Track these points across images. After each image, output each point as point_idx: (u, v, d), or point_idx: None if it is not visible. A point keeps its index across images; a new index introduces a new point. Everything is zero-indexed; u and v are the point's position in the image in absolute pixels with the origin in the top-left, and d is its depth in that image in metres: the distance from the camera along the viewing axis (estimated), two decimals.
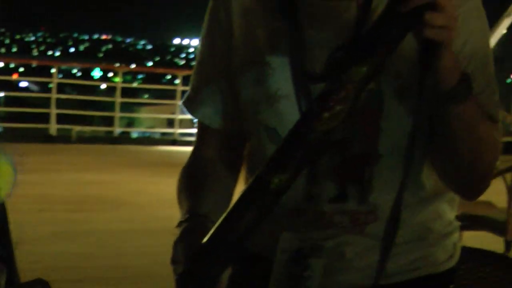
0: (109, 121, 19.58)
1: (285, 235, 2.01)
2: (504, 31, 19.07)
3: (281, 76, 1.98)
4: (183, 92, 19.49)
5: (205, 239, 1.69)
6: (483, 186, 2.00)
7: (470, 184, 1.99)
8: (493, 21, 19.08)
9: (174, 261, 1.82)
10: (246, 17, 2.05)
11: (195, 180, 2.13)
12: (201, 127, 2.19)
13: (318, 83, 1.88)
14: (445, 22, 1.65)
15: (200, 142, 2.20)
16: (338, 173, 1.96)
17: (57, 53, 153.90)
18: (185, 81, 19.66)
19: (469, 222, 5.70)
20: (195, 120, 2.20)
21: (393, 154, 1.94)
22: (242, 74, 2.05)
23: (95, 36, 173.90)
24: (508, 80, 22.45)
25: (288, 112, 1.96)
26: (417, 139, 1.87)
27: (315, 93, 1.80)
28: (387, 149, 1.94)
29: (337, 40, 1.92)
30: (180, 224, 1.93)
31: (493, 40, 18.90)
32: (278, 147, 1.71)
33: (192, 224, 1.93)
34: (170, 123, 20.22)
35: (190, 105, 2.19)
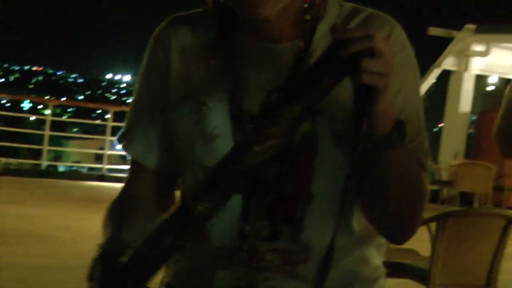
0: (36, 154, 19.45)
1: (220, 273, 1.98)
2: (433, 80, 19.41)
3: (218, 115, 1.97)
4: (114, 127, 19.63)
5: (123, 259, 1.70)
6: (411, 231, 2.00)
7: (399, 229, 1.99)
8: (423, 71, 19.39)
9: (90, 278, 1.81)
10: (185, 55, 2.04)
11: (122, 213, 2.10)
12: (134, 163, 2.16)
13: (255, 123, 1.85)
14: (383, 69, 1.67)
15: (132, 177, 2.17)
16: (271, 211, 1.94)
17: None
18: (116, 116, 19.66)
19: (392, 269, 5.73)
20: (128, 157, 2.19)
21: (326, 195, 1.93)
22: (178, 112, 2.03)
23: (26, 67, 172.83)
24: (436, 129, 22.74)
25: (224, 151, 1.87)
26: (351, 182, 1.84)
27: None
28: (320, 190, 1.92)
29: (276, 82, 1.92)
30: (101, 245, 1.91)
31: (423, 89, 19.21)
32: (206, 177, 1.72)
33: (112, 246, 1.90)
34: (99, 158, 20.18)
35: (124, 141, 2.15)
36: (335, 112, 1.90)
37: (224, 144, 1.94)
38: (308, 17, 1.96)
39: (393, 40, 1.93)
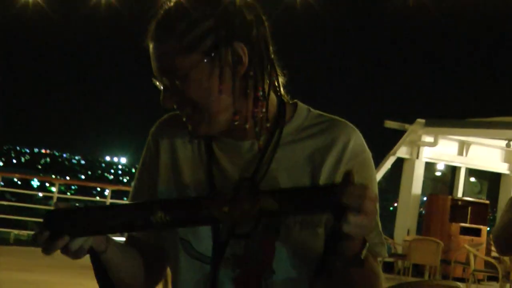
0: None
1: None
2: (389, 167, 19.44)
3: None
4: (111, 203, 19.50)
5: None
6: None
7: None
8: (380, 158, 19.42)
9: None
10: (172, 150, 2.06)
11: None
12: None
13: None
14: (364, 223, 1.64)
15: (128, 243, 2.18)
16: (238, 282, 1.94)
17: (0, 164, 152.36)
18: (113, 193, 19.65)
19: None
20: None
21: (285, 273, 1.92)
22: (166, 195, 2.03)
23: (35, 150, 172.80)
24: (391, 208, 22.80)
25: (202, 228, 1.95)
26: (309, 264, 1.91)
27: None
28: (280, 268, 1.91)
29: (243, 172, 1.95)
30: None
31: (380, 174, 19.22)
32: (179, 198, 1.89)
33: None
34: None
35: None
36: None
37: None
38: (268, 124, 1.94)
39: (353, 144, 1.94)
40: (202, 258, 1.96)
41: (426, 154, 19.70)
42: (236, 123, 1.92)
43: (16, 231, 18.36)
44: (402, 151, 19.48)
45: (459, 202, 18.88)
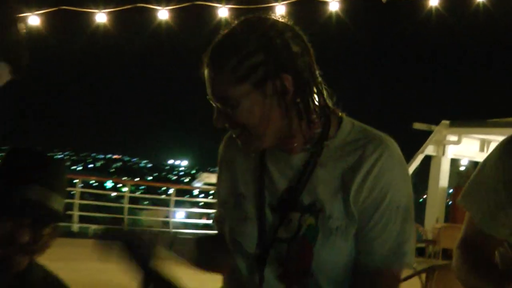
0: (118, 222, 19.53)
1: None
2: (418, 163, 19.30)
3: (250, 204, 2.00)
4: (175, 201, 19.66)
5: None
6: None
7: None
8: (411, 156, 19.27)
9: None
10: (232, 161, 2.08)
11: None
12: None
13: (274, 212, 1.94)
14: None
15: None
16: (283, 280, 1.95)
17: (79, 168, 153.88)
18: (177, 192, 19.74)
19: None
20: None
21: (322, 275, 1.92)
22: (227, 202, 2.07)
23: (108, 156, 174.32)
24: (421, 200, 22.65)
25: (250, 231, 1.97)
26: (343, 267, 1.92)
27: (272, 219, 1.94)
28: (317, 270, 1.91)
29: (290, 182, 1.95)
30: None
31: (410, 170, 19.07)
32: None
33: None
34: (165, 224, 20.16)
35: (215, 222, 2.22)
36: (332, 213, 1.89)
37: (251, 225, 1.98)
38: (315, 138, 1.93)
39: (382, 163, 1.88)
40: (251, 256, 1.98)
41: (451, 151, 19.54)
42: (286, 140, 1.92)
43: (94, 226, 18.54)
44: (429, 150, 19.35)
45: None
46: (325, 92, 1.94)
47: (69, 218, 17.35)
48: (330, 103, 1.96)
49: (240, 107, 1.83)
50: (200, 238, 2.21)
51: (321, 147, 1.93)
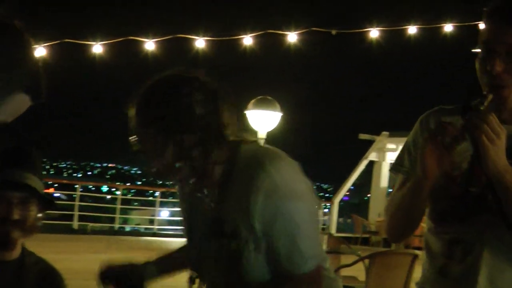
0: (112, 220, 19.41)
1: None
2: (363, 168, 19.41)
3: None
4: (161, 202, 19.61)
5: None
6: None
7: None
8: (357, 162, 19.35)
9: None
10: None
11: None
12: None
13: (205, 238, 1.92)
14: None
15: None
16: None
17: (79, 175, 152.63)
18: (162, 194, 19.69)
19: None
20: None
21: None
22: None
23: (105, 164, 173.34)
24: (366, 198, 22.82)
25: (192, 253, 2.01)
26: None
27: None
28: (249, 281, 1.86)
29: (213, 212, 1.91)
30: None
31: (357, 174, 19.16)
32: None
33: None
34: (151, 222, 20.05)
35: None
36: (246, 234, 1.84)
37: (193, 249, 2.01)
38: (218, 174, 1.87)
39: (271, 179, 1.78)
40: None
41: (390, 157, 19.64)
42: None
43: (91, 224, 18.45)
44: (372, 156, 19.49)
45: None
46: (233, 135, 1.86)
47: (70, 217, 17.27)
48: (238, 137, 1.88)
49: (148, 147, 1.83)
50: (180, 249, 2.15)
51: (227, 179, 1.85)
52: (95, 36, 13.33)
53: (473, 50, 1.89)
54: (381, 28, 13.62)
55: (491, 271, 1.80)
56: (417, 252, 6.46)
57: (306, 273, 1.79)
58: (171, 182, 2.01)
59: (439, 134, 1.74)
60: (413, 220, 1.91)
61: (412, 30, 13.60)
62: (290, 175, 1.81)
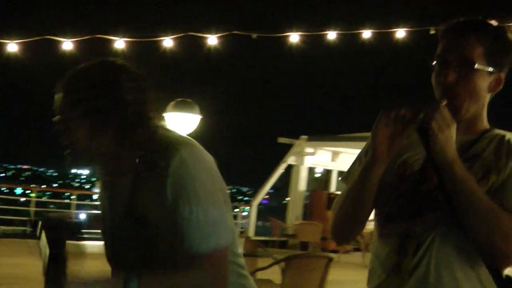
0: (25, 223, 18.94)
1: None
2: (282, 171, 19.56)
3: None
4: (77, 205, 19.23)
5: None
6: None
7: None
8: (276, 165, 19.49)
9: None
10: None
11: None
12: None
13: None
14: None
15: None
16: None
17: None
18: (78, 197, 19.33)
19: None
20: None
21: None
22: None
23: (19, 166, 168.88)
24: (284, 201, 22.91)
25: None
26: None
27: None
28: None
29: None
30: None
31: (275, 177, 19.31)
32: None
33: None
34: None
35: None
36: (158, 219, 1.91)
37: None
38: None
39: (176, 164, 1.84)
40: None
41: (308, 161, 19.91)
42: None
43: (3, 227, 17.95)
44: (291, 159, 19.65)
45: (332, 195, 19.11)
46: (153, 122, 1.92)
47: None
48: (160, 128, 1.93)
49: (72, 131, 1.86)
50: None
51: (143, 164, 1.89)
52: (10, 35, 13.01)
53: (431, 64, 1.95)
54: (302, 33, 13.77)
55: (439, 263, 1.85)
56: (332, 255, 6.58)
57: (209, 252, 1.80)
58: (89, 173, 2.00)
59: (393, 111, 1.80)
60: (359, 216, 1.94)
61: (331, 35, 13.80)
62: (202, 161, 1.85)
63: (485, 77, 1.92)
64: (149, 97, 1.90)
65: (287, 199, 20.81)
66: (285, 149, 19.74)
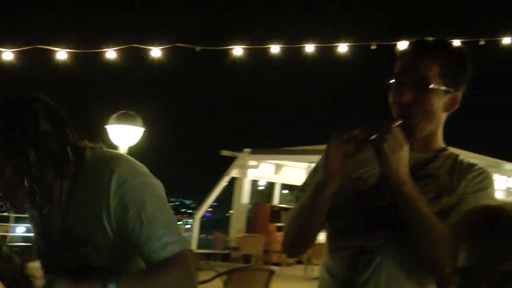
0: None
1: None
2: (225, 183, 19.56)
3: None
4: (16, 218, 18.82)
5: None
6: None
7: None
8: (219, 178, 19.46)
9: None
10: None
11: None
12: None
13: None
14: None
15: None
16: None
17: None
18: None
19: None
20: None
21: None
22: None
23: None
24: (227, 214, 22.85)
25: None
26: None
27: None
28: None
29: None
30: None
31: (218, 190, 19.29)
32: None
33: None
34: (4, 238, 19.22)
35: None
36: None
37: None
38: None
39: (116, 178, 1.85)
40: None
41: (252, 174, 19.92)
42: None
43: None
44: (234, 172, 19.64)
45: (275, 208, 19.15)
46: (79, 147, 1.91)
47: None
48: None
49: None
50: None
51: (74, 187, 1.89)
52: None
53: (386, 83, 1.98)
54: (246, 46, 13.83)
55: (389, 279, 1.88)
56: (275, 268, 6.61)
57: (170, 256, 1.82)
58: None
59: (346, 133, 1.83)
60: (310, 231, 1.96)
61: (275, 48, 13.89)
62: (137, 171, 1.87)
63: (441, 97, 1.95)
64: (67, 125, 1.88)
65: (230, 211, 20.78)
66: (229, 162, 19.74)
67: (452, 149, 2.05)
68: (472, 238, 1.25)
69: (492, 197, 1.90)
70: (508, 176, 12.73)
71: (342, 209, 1.97)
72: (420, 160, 1.95)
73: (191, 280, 1.87)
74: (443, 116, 2.01)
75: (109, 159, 1.88)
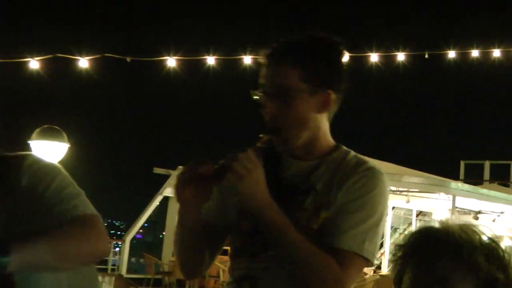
0: None
1: None
2: (158, 203, 19.39)
3: None
4: None
5: None
6: None
7: None
8: (150, 198, 19.33)
9: None
10: None
11: None
12: None
13: None
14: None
15: None
16: None
17: None
18: None
19: None
20: None
21: None
22: None
23: None
24: (161, 236, 22.70)
25: None
26: None
27: None
28: None
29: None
30: None
31: (150, 210, 19.12)
32: None
33: None
34: None
35: None
36: None
37: None
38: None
39: None
40: None
41: None
42: None
43: None
44: (167, 191, 19.52)
45: None
46: None
47: None
48: None
49: None
50: None
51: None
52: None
53: (254, 97, 1.95)
54: (179, 57, 13.77)
55: None
56: None
57: (79, 215, 1.87)
58: None
59: (189, 172, 1.85)
60: (193, 252, 2.03)
61: (210, 60, 13.89)
62: (46, 161, 1.95)
63: (308, 99, 1.92)
64: None
65: (163, 233, 20.63)
66: (162, 180, 19.60)
67: (343, 150, 2.03)
68: (415, 260, 1.34)
69: (377, 200, 1.88)
70: (454, 195, 12.94)
71: (233, 232, 2.03)
72: (303, 170, 1.95)
73: (102, 237, 1.88)
74: (319, 118, 1.98)
75: (17, 157, 1.91)
